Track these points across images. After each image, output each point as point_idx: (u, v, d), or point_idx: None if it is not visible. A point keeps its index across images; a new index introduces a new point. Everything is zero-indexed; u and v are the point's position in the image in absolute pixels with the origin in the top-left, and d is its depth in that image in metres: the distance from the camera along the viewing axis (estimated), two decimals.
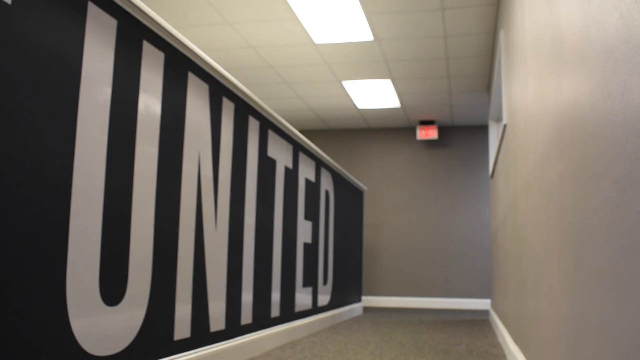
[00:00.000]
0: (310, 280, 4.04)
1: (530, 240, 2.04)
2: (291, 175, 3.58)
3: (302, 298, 3.81)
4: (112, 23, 1.73)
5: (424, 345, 3.34)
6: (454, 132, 7.78)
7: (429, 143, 7.83)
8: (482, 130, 7.70)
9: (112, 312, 1.71)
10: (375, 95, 6.51)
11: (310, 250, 4.04)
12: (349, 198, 5.51)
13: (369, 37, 4.89)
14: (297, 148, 3.72)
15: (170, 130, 2.08)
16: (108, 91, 1.71)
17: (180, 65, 2.16)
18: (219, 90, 2.51)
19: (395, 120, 7.63)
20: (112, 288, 1.71)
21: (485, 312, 6.69)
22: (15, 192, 1.34)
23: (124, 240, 1.77)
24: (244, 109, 2.81)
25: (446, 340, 3.60)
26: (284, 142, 3.43)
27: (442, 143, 7.79)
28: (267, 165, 3.12)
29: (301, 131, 8.30)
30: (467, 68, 5.60)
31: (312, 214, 4.08)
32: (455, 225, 7.56)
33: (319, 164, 4.32)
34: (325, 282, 4.49)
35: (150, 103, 1.94)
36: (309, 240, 3.99)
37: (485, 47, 5.07)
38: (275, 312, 3.23)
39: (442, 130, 7.82)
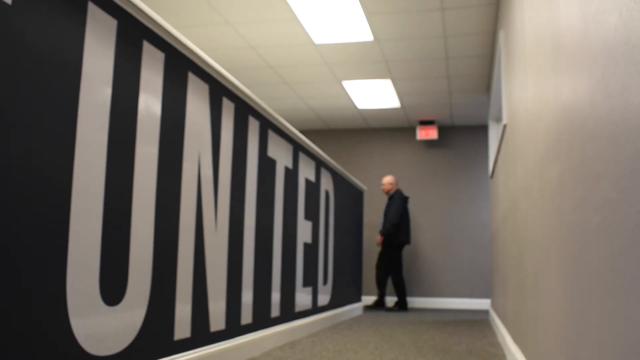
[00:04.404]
0: (310, 280, 4.04)
1: (530, 240, 2.04)
2: (291, 175, 3.58)
3: (302, 298, 3.81)
4: (112, 23, 1.73)
5: (424, 345, 3.34)
6: (454, 132, 7.78)
7: (429, 143, 7.83)
8: (482, 130, 7.70)
9: (112, 312, 1.71)
10: (375, 95, 6.51)
11: (310, 250, 4.04)
12: (349, 198, 5.51)
13: (369, 37, 4.89)
14: (297, 148, 3.72)
15: (170, 130, 2.08)
16: (108, 91, 1.71)
17: (180, 66, 2.16)
18: (219, 90, 2.51)
19: (395, 120, 7.62)
20: (112, 288, 1.71)
21: (485, 312, 6.69)
22: (16, 192, 1.35)
23: (124, 240, 1.77)
24: (244, 109, 2.81)
25: (446, 340, 3.60)
26: (284, 142, 3.43)
27: (442, 143, 7.79)
28: (267, 165, 3.12)
29: (301, 131, 8.30)
30: (467, 68, 5.60)
31: (312, 214, 4.08)
32: (456, 225, 7.56)
33: (319, 164, 4.32)
34: (325, 282, 4.49)
35: (150, 103, 1.94)
36: (309, 240, 3.99)
37: (485, 47, 5.07)
38: (275, 312, 3.23)
39: (442, 130, 7.82)
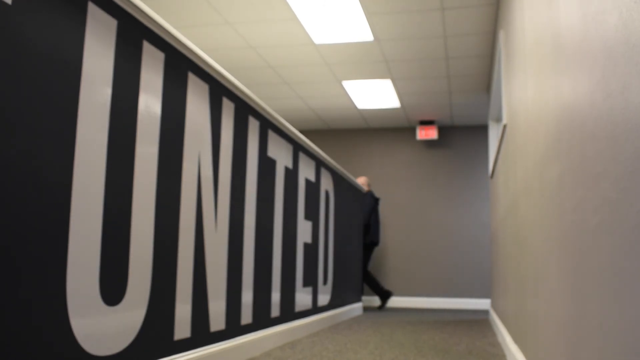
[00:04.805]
0: (310, 280, 4.04)
1: (530, 240, 2.04)
2: (291, 175, 3.58)
3: (302, 298, 3.81)
4: (112, 23, 1.73)
5: (424, 345, 3.34)
6: (454, 132, 7.78)
7: (429, 143, 7.83)
8: (482, 130, 7.70)
9: (112, 312, 1.71)
10: (375, 95, 6.51)
11: (310, 250, 4.04)
12: (349, 198, 5.51)
13: (369, 37, 4.89)
14: (297, 148, 3.72)
15: (170, 130, 2.08)
16: (108, 91, 1.71)
17: (180, 66, 2.16)
18: (219, 90, 2.51)
19: (395, 120, 7.63)
20: (112, 288, 1.71)
21: (485, 312, 6.69)
22: (15, 192, 1.35)
23: (124, 240, 1.77)
24: (244, 109, 2.81)
25: (446, 340, 3.60)
26: (284, 142, 3.43)
27: (442, 143, 7.79)
28: (267, 165, 3.12)
29: (301, 131, 8.29)
30: (467, 68, 5.60)
31: (312, 214, 4.08)
32: (455, 225, 7.56)
33: (319, 164, 4.32)
34: (325, 282, 4.49)
35: (150, 103, 1.94)
36: (309, 240, 3.99)
37: (485, 47, 5.07)
38: (275, 312, 3.23)
39: (442, 130, 7.82)
